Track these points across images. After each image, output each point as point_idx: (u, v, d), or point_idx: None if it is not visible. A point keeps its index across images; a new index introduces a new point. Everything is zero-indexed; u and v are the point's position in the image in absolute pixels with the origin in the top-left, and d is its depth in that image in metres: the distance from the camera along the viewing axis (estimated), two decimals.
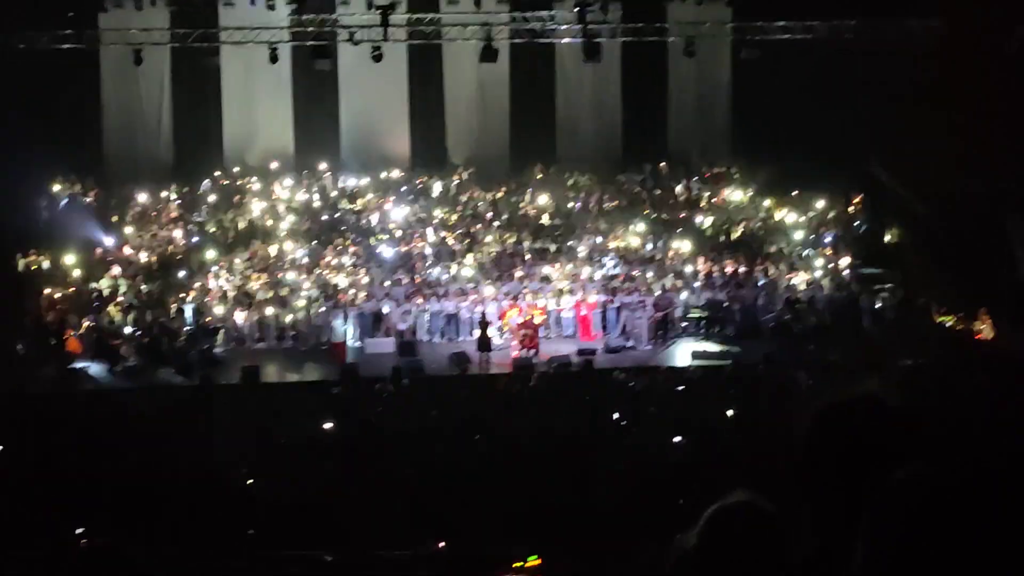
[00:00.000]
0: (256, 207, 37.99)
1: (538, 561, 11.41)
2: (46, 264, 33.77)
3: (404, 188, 39.34)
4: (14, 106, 33.17)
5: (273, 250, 35.35)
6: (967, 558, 1.87)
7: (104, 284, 32.99)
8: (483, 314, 31.27)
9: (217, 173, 39.45)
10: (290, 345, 31.94)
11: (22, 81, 33.68)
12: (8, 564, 11.59)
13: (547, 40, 39.42)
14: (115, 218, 36.89)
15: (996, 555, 1.92)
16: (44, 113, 33.79)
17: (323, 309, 32.14)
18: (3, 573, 11.54)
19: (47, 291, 32.43)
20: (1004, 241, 31.30)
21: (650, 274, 33.79)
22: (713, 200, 38.82)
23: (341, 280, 33.45)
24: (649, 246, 35.85)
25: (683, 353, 30.53)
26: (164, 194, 38.38)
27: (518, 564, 11.01)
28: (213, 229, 36.77)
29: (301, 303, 32.45)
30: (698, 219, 37.60)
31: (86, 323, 30.94)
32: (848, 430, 3.00)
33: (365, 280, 33.60)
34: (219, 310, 32.17)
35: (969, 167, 30.55)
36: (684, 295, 32.83)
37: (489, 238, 36.14)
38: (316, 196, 38.91)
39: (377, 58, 36.36)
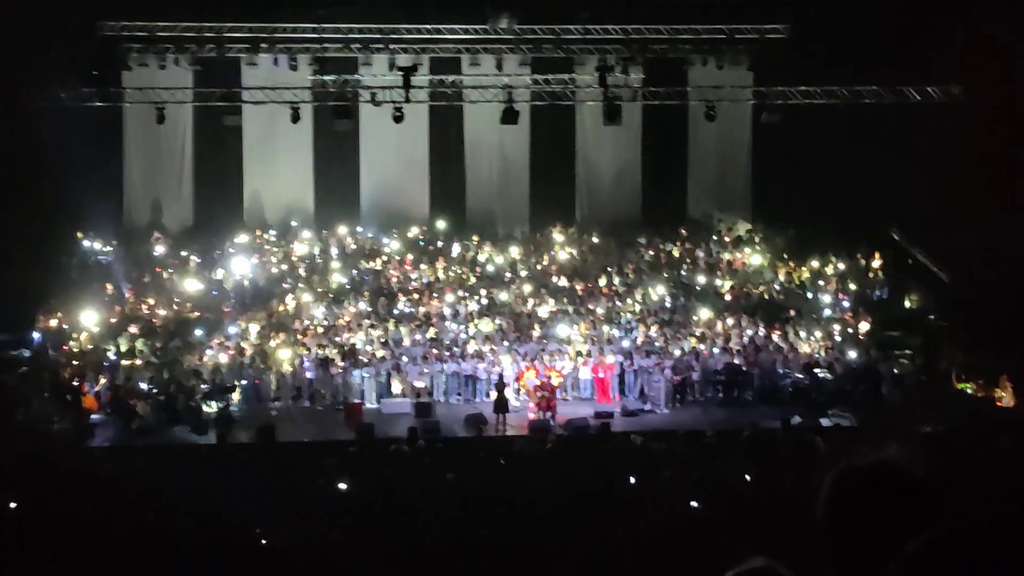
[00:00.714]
0: (275, 265, 38.10)
1: None
2: (64, 322, 33.83)
3: (423, 247, 39.45)
4: (38, 163, 33.39)
5: (291, 308, 35.39)
6: None
7: (121, 342, 33.02)
8: (500, 375, 31.20)
9: (237, 232, 39.58)
10: (306, 405, 31.90)
11: (46, 139, 33.90)
12: None
13: (568, 102, 39.66)
14: (134, 275, 37.00)
15: None
16: (67, 170, 33.96)
17: (340, 369, 32.13)
18: None
19: (64, 347, 32.52)
20: None
21: (669, 337, 33.72)
22: (732, 263, 38.78)
23: (358, 339, 33.43)
24: (668, 307, 35.80)
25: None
26: (184, 252, 38.50)
27: None
28: (232, 287, 36.85)
29: (316, 360, 32.46)
30: (717, 282, 37.56)
31: (102, 380, 30.94)
32: (867, 497, 2.94)
33: (382, 340, 33.57)
34: (235, 369, 32.17)
35: (990, 232, 30.47)
36: (703, 358, 32.74)
37: (507, 298, 36.13)
38: (335, 255, 39.02)
39: (398, 119, 36.56)
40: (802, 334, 34.17)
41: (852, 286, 37.16)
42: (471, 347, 32.96)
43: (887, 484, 2.95)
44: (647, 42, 38.08)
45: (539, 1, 38.01)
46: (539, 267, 38.36)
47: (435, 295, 36.35)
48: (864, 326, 34.69)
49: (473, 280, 37.51)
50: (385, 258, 38.86)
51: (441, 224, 40.55)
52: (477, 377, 32.12)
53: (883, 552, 1.91)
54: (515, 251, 39.04)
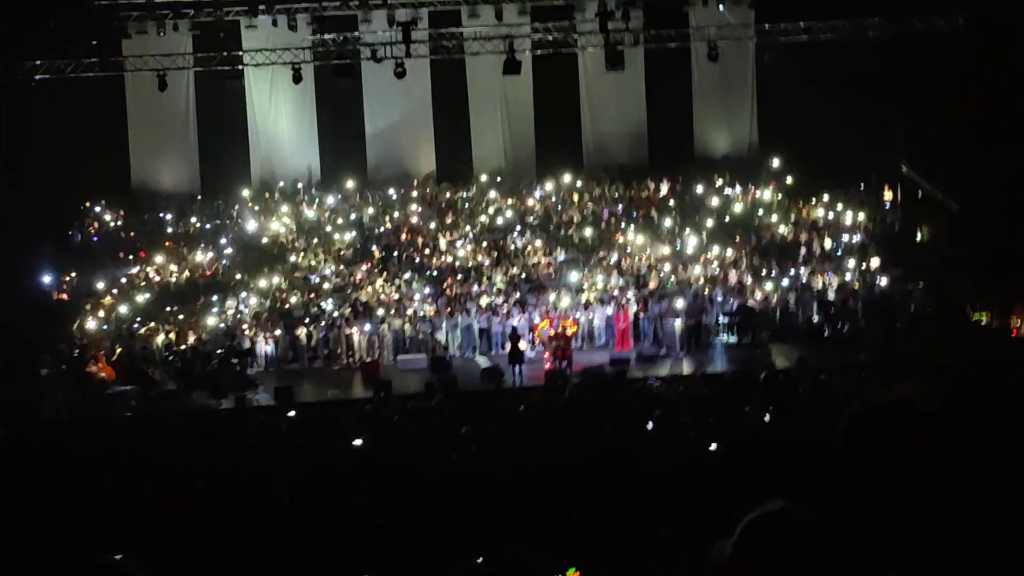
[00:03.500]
0: (283, 227, 38.09)
1: (576, 574, 11.33)
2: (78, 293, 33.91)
3: (430, 202, 39.39)
4: (42, 135, 33.40)
5: (303, 268, 35.44)
6: (1005, 566, 1.79)
7: (136, 309, 33.08)
8: (514, 327, 31.17)
9: (245, 194, 39.60)
10: (321, 364, 31.91)
11: (50, 110, 33.89)
12: None
13: (570, 50, 39.45)
14: (144, 242, 37.05)
15: None
16: (71, 141, 33.93)
17: (354, 327, 32.14)
18: None
19: (80, 317, 32.60)
20: None
21: (680, 281, 33.69)
22: (741, 204, 38.66)
23: (371, 296, 33.45)
24: (679, 251, 35.74)
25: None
26: (192, 217, 38.51)
27: None
28: (241, 250, 36.88)
29: (330, 320, 32.51)
30: (727, 223, 37.47)
31: (119, 349, 31.01)
32: (881, 437, 2.94)
33: (395, 297, 33.58)
34: (250, 331, 32.21)
35: (999, 163, 30.33)
36: (716, 301, 32.72)
37: (518, 248, 36.17)
38: (346, 213, 38.98)
39: (400, 74, 36.44)
40: (814, 271, 34.10)
41: (863, 221, 37.02)
42: (483, 300, 32.95)
43: (901, 423, 2.94)
44: None
45: None
46: (551, 217, 38.28)
47: (445, 250, 36.35)
48: (875, 261, 34.61)
49: (481, 232, 37.45)
50: (394, 215, 38.77)
51: (448, 178, 40.38)
52: (491, 330, 32.08)
53: (899, 492, 1.90)
54: (524, 202, 38.96)
